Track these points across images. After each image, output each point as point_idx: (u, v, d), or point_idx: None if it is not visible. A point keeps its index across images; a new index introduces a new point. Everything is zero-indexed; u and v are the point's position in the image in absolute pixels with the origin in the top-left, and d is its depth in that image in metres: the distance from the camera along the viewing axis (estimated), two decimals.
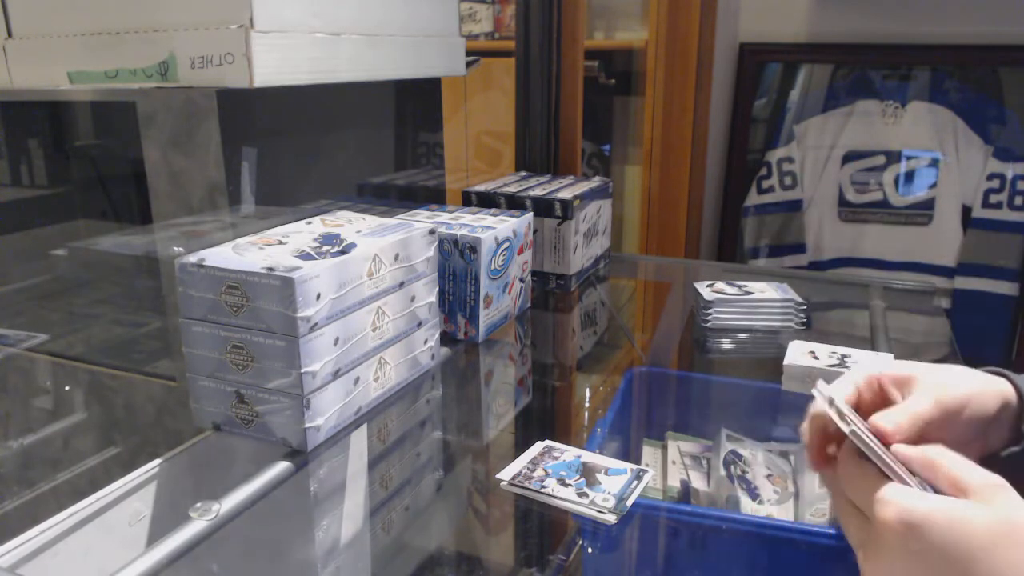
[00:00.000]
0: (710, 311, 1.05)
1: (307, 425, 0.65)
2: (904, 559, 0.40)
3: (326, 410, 0.67)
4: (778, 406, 0.95)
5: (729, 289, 1.09)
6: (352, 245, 0.70)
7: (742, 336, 1.05)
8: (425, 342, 0.83)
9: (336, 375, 0.68)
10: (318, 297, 0.64)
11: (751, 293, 1.07)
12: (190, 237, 0.85)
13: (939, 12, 1.66)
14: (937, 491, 0.43)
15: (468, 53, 1.09)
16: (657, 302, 1.39)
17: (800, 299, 1.06)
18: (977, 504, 0.40)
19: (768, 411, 0.95)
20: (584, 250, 1.19)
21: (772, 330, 1.05)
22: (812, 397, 0.53)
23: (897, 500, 0.41)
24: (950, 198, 1.69)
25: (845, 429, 0.46)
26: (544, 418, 0.91)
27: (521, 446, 0.72)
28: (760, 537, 0.69)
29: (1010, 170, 1.63)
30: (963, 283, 1.69)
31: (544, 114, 1.37)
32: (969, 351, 1.02)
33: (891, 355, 0.89)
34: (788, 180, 1.80)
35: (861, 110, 1.73)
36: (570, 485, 0.65)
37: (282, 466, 0.65)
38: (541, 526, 0.68)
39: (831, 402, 0.47)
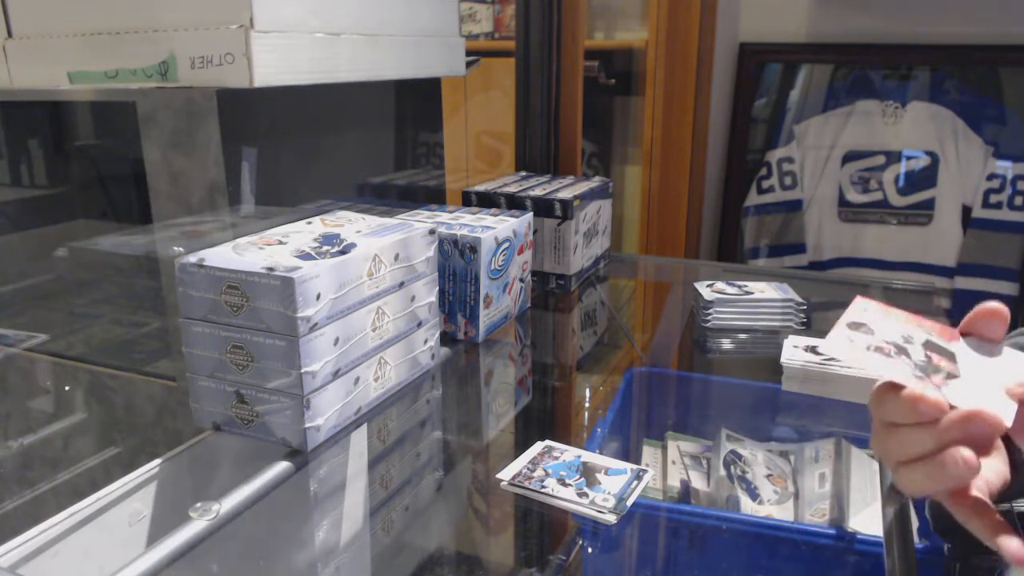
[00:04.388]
0: (710, 311, 1.05)
1: (307, 425, 0.65)
2: None
3: (326, 410, 0.67)
4: (778, 406, 0.95)
5: (729, 289, 1.09)
6: (352, 245, 0.70)
7: (742, 336, 1.05)
8: (425, 342, 0.83)
9: (336, 375, 0.68)
10: (318, 297, 0.64)
11: (751, 293, 1.07)
12: (190, 237, 0.85)
13: (939, 12, 1.66)
14: None
15: (468, 53, 1.09)
16: (657, 302, 1.39)
17: (800, 299, 1.06)
18: None
19: (768, 411, 0.95)
20: (584, 250, 1.19)
21: (772, 330, 1.05)
22: (811, 399, 0.50)
23: None
24: (950, 198, 1.69)
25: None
26: (544, 418, 0.91)
27: (521, 446, 0.72)
28: (760, 537, 0.69)
29: (1010, 170, 1.63)
30: (963, 283, 1.69)
31: (544, 114, 1.37)
32: None
33: None
34: (788, 180, 1.80)
35: (861, 110, 1.73)
36: (570, 485, 0.65)
37: (282, 466, 0.65)
38: (541, 526, 0.68)
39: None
